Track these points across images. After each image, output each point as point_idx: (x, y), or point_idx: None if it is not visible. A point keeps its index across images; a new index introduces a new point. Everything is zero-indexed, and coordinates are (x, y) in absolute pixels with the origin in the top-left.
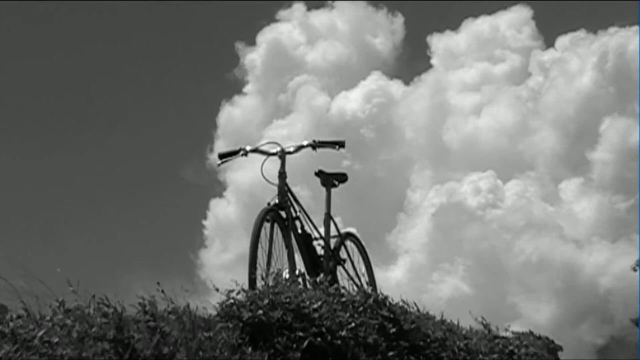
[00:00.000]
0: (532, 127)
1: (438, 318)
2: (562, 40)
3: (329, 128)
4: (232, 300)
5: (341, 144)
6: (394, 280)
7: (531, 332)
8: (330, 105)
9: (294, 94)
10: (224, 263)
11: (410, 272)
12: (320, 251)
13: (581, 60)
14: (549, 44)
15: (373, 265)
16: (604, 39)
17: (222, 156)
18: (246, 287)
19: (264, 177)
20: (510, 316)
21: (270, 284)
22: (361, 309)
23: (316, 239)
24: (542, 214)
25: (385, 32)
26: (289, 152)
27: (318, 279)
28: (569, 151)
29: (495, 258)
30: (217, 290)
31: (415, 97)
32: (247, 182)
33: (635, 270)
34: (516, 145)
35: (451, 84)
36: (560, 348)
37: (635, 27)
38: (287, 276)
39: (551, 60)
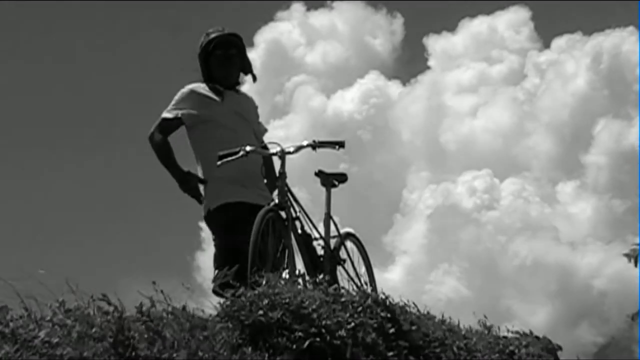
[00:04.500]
0: (527, 129)
1: (438, 318)
2: (558, 42)
3: (326, 129)
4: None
5: (341, 144)
6: (392, 282)
7: (531, 332)
8: (327, 107)
9: (291, 95)
10: None
11: (408, 274)
12: (320, 251)
13: (576, 62)
14: (547, 45)
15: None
16: (599, 39)
17: (221, 157)
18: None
19: (264, 177)
20: (505, 319)
21: (270, 284)
22: (360, 309)
23: (316, 239)
24: (539, 215)
25: (385, 33)
26: (289, 153)
27: (318, 280)
28: (564, 154)
29: (490, 261)
30: None
31: (412, 98)
32: None
33: (635, 260)
34: (512, 148)
35: (448, 85)
36: (560, 348)
37: (630, 28)
38: (287, 277)
39: (547, 61)
